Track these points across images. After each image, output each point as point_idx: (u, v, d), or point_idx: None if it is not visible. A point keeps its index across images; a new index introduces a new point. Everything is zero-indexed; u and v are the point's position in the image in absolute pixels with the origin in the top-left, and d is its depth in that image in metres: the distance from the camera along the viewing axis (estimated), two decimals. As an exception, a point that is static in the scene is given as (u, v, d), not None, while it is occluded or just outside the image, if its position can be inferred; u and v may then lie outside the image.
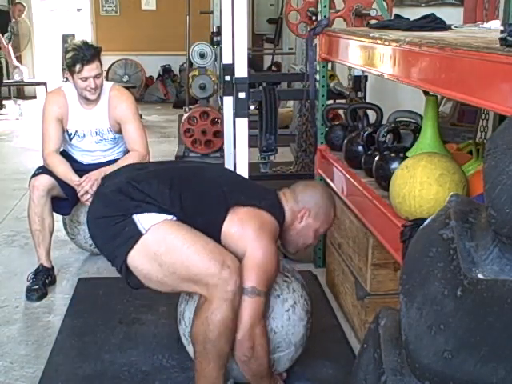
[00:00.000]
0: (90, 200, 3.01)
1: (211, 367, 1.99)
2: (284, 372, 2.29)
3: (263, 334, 2.01)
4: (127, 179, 2.12)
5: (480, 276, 0.99)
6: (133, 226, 1.99)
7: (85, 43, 3.06)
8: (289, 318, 2.17)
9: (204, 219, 2.06)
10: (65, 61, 3.15)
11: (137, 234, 1.98)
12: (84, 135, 3.23)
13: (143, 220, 2.00)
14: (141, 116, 3.87)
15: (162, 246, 1.98)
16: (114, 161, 3.26)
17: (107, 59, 8.69)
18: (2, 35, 8.30)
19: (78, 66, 3.01)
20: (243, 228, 2.03)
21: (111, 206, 2.07)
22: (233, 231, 2.03)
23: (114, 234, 2.03)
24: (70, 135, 3.23)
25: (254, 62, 7.62)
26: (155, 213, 2.01)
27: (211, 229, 2.03)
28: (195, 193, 2.10)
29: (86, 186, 3.01)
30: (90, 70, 3.02)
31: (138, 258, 2.00)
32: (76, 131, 3.22)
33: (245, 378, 2.14)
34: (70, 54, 3.04)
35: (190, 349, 2.22)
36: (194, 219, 2.04)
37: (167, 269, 1.98)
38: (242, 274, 1.97)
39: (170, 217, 2.02)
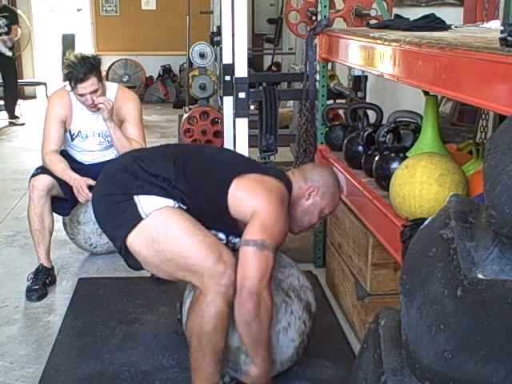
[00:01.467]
0: (83, 199, 3.04)
1: (207, 362, 1.99)
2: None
3: (269, 293, 1.94)
4: (133, 157, 2.16)
5: (480, 276, 0.99)
6: (134, 208, 2.01)
7: (81, 58, 2.99)
8: (277, 340, 2.15)
9: (209, 189, 2.07)
10: (62, 74, 3.14)
11: (137, 218, 2.00)
12: (87, 136, 3.23)
13: (144, 203, 2.02)
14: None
15: (162, 233, 1.98)
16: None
17: (107, 59, 8.69)
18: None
19: (72, 84, 3.02)
20: (250, 191, 2.04)
21: (117, 184, 2.10)
22: (239, 195, 2.02)
23: (115, 215, 2.06)
24: (72, 135, 3.23)
25: (253, 62, 7.62)
26: (157, 196, 2.03)
27: (217, 198, 2.03)
28: (198, 166, 2.13)
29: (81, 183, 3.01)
30: (84, 87, 3.00)
31: (137, 242, 2.02)
32: (79, 132, 3.22)
33: (241, 374, 2.14)
34: (65, 71, 3.03)
35: None
36: (199, 191, 2.05)
37: (164, 256, 1.99)
38: (248, 231, 1.95)
39: (172, 203, 2.03)
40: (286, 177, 2.19)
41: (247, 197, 2.03)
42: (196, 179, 2.07)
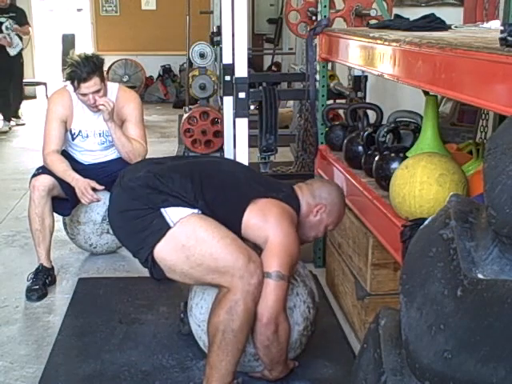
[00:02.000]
0: (88, 201, 3.04)
1: (228, 360, 2.04)
2: (296, 361, 2.34)
3: (286, 318, 2.07)
4: (153, 173, 2.18)
5: (480, 276, 0.99)
6: (161, 218, 2.06)
7: (85, 58, 3.00)
8: None
9: (225, 211, 2.12)
10: (65, 73, 3.14)
11: (165, 227, 2.05)
12: (87, 136, 3.23)
13: (171, 213, 2.07)
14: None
15: (192, 238, 2.04)
16: (115, 160, 3.27)
17: (107, 59, 8.65)
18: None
19: (75, 83, 3.02)
20: (264, 217, 2.10)
21: (139, 200, 2.12)
22: (253, 222, 2.10)
23: (141, 227, 2.09)
24: (73, 135, 3.23)
25: (253, 62, 7.62)
26: (182, 207, 2.08)
27: (232, 220, 2.10)
28: (215, 186, 2.18)
29: (83, 188, 3.01)
30: (87, 87, 3.00)
31: (166, 250, 2.07)
32: (80, 131, 3.22)
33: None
34: (68, 70, 3.03)
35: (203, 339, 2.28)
36: (215, 212, 2.10)
37: (194, 260, 2.04)
38: (265, 260, 2.03)
39: (196, 210, 2.09)
40: (295, 197, 2.25)
41: (260, 224, 2.10)
42: (213, 200, 2.13)
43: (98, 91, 3.03)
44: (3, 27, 7.18)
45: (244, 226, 2.11)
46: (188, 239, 2.04)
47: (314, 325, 2.32)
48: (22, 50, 7.44)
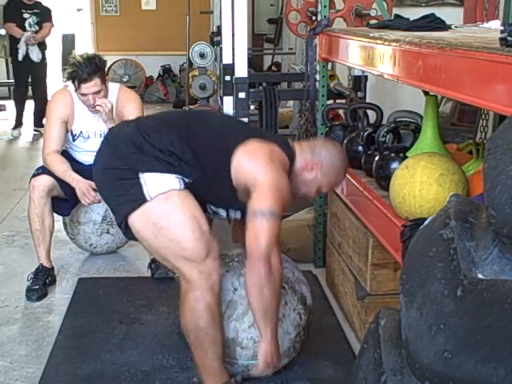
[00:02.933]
0: (89, 202, 3.05)
1: (210, 357, 2.05)
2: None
3: (280, 259, 1.99)
4: (139, 130, 2.14)
5: (480, 276, 0.99)
6: (139, 188, 2.03)
7: (87, 58, 3.00)
8: None
9: (214, 158, 2.08)
10: (66, 73, 3.14)
11: (141, 199, 2.02)
12: (88, 136, 3.23)
13: (150, 184, 2.03)
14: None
15: (164, 220, 2.02)
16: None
17: (107, 59, 8.67)
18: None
19: (75, 83, 3.02)
20: (253, 158, 2.04)
21: (123, 159, 2.10)
22: (243, 164, 2.04)
23: (120, 191, 2.08)
24: (74, 136, 3.23)
25: (253, 62, 7.62)
26: (163, 173, 2.04)
27: (222, 167, 2.05)
28: (204, 136, 2.13)
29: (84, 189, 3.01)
30: (87, 87, 3.00)
31: (138, 222, 2.05)
32: (81, 132, 3.22)
33: (244, 368, 2.16)
34: (69, 70, 3.03)
35: None
36: (205, 162, 2.07)
37: (162, 242, 2.03)
38: (255, 199, 1.97)
39: (178, 181, 2.04)
40: (289, 146, 2.17)
41: (250, 163, 2.03)
42: (202, 151, 2.08)
43: (98, 92, 3.03)
44: (26, 24, 6.78)
45: (234, 171, 2.04)
46: (160, 220, 2.01)
47: (307, 328, 2.30)
48: (44, 56, 6.95)
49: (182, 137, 2.09)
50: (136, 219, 2.04)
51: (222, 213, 2.23)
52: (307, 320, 2.28)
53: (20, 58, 6.73)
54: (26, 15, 6.80)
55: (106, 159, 2.18)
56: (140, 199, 2.02)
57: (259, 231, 1.92)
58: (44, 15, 6.90)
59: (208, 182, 2.09)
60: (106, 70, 3.21)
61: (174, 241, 2.02)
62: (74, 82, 3.03)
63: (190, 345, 2.07)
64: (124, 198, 2.06)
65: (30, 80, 7.06)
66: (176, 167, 2.05)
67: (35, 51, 6.78)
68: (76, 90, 3.06)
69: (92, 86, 3.01)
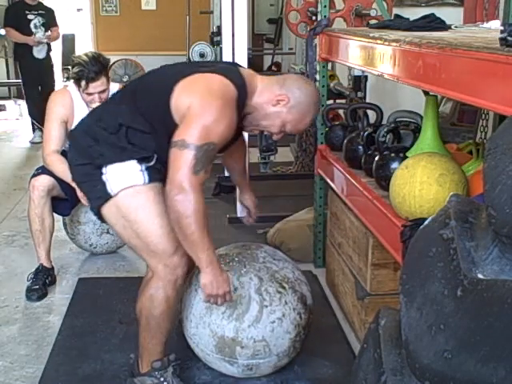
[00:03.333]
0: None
1: (154, 343, 2.13)
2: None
3: (196, 190, 1.87)
4: (93, 119, 2.14)
5: (480, 276, 0.99)
6: (103, 186, 2.04)
7: (93, 57, 3.02)
8: (272, 330, 2.16)
9: (155, 103, 2.00)
10: (71, 72, 3.14)
11: (106, 195, 2.04)
12: None
13: (112, 180, 2.03)
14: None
15: (133, 214, 2.04)
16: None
17: (107, 59, 8.68)
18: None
19: (83, 83, 3.03)
20: (189, 90, 1.95)
21: (82, 153, 2.10)
22: (180, 100, 1.95)
23: (87, 187, 2.13)
24: None
25: (253, 62, 7.62)
26: (123, 162, 2.02)
27: (164, 110, 1.97)
28: (146, 92, 2.07)
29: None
30: (94, 86, 3.02)
31: (108, 214, 2.09)
32: None
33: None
34: (75, 69, 3.03)
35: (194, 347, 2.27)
36: (151, 115, 2.01)
37: (130, 234, 2.07)
38: (180, 129, 1.90)
39: (142, 178, 2.02)
40: (237, 72, 2.04)
41: (185, 97, 1.94)
42: (148, 109, 2.03)
43: (104, 91, 3.05)
44: (32, 25, 6.53)
45: (174, 111, 1.96)
46: (129, 214, 2.04)
47: (308, 328, 2.30)
48: (48, 52, 6.73)
49: (129, 105, 2.05)
50: (106, 212, 2.08)
51: None
52: (307, 319, 2.28)
53: (42, 55, 6.53)
54: (30, 16, 6.61)
55: (71, 156, 2.20)
56: (106, 196, 2.04)
57: (172, 163, 1.88)
58: (49, 17, 6.72)
59: (160, 142, 2.02)
60: (106, 69, 3.21)
61: (142, 235, 2.05)
62: (79, 82, 3.03)
63: (139, 325, 2.14)
64: (92, 195, 2.10)
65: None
66: (133, 151, 2.02)
67: (44, 50, 6.63)
68: (83, 90, 3.06)
69: (99, 85, 3.03)
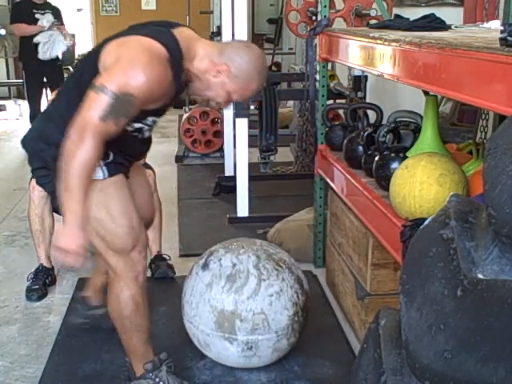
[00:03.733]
0: None
1: (135, 342, 2.15)
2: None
3: (95, 139, 1.79)
4: (43, 119, 2.11)
5: (480, 276, 0.99)
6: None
7: None
8: (270, 303, 2.22)
9: (86, 76, 1.92)
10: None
11: None
12: None
13: None
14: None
15: (93, 211, 1.98)
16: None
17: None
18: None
19: None
20: (114, 51, 1.90)
21: (36, 158, 2.08)
22: (106, 60, 1.89)
23: (50, 188, 2.06)
24: None
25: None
26: None
27: (93, 73, 1.90)
28: (87, 68, 2.00)
29: None
30: None
31: None
32: None
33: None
34: None
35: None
36: (80, 84, 1.92)
37: (91, 230, 2.02)
38: (100, 76, 1.83)
39: (101, 173, 1.99)
40: (171, 38, 1.94)
41: (112, 55, 1.89)
42: (77, 75, 2.02)
43: None
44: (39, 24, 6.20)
45: (101, 70, 1.89)
46: (90, 210, 1.96)
47: (306, 312, 2.33)
48: (58, 57, 6.30)
49: (74, 89, 1.96)
50: None
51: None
52: (305, 302, 2.32)
53: (55, 54, 6.16)
54: (38, 15, 6.32)
55: (30, 161, 2.14)
56: None
57: (89, 104, 1.80)
58: (55, 16, 6.41)
59: None
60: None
61: (101, 233, 2.04)
62: None
63: (116, 328, 2.15)
64: (53, 195, 2.01)
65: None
66: None
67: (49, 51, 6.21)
68: None
69: None
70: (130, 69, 1.82)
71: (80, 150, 1.78)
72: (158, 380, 2.17)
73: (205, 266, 2.32)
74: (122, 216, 2.03)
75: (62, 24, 6.46)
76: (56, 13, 6.46)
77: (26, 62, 6.37)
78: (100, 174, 1.98)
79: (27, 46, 6.24)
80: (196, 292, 2.29)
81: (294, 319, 2.27)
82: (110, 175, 2.01)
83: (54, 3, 6.55)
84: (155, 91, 1.86)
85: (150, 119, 2.04)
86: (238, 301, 2.21)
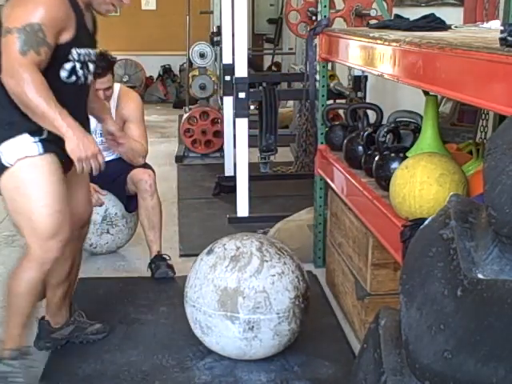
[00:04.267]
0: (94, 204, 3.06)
1: (12, 322, 2.20)
2: None
3: (27, 70, 1.91)
4: None
5: (480, 276, 0.99)
6: None
7: (101, 54, 3.01)
8: (273, 283, 2.28)
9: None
10: None
11: (2, 167, 2.07)
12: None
13: (6, 153, 2.05)
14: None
15: (22, 188, 2.07)
16: (115, 160, 3.27)
17: (107, 59, 8.67)
18: None
19: None
20: (8, 10, 1.99)
21: None
22: (8, 14, 1.99)
23: None
24: None
25: (253, 62, 7.63)
26: (14, 137, 2.04)
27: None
28: None
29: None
30: (101, 82, 3.04)
31: (4, 186, 2.11)
32: None
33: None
34: None
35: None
36: None
37: (17, 207, 2.11)
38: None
39: (36, 148, 2.05)
40: None
41: (8, 11, 1.99)
42: None
43: (108, 88, 3.08)
44: None
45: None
46: (20, 186, 2.08)
47: (306, 300, 2.37)
48: None
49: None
50: (3, 183, 2.10)
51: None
52: (305, 289, 2.37)
53: None
54: None
55: None
56: (2, 168, 2.06)
57: (4, 49, 1.93)
58: None
59: None
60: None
61: (27, 210, 2.08)
62: None
63: (5, 300, 2.22)
64: None
65: None
66: (21, 124, 2.04)
67: None
68: None
69: (105, 81, 3.06)
70: (25, 4, 1.96)
71: (24, 82, 1.90)
72: (10, 369, 2.18)
73: (210, 252, 2.40)
74: (50, 197, 2.07)
75: None
76: None
77: None
78: (35, 149, 2.06)
79: None
80: (200, 274, 2.36)
81: (295, 303, 2.31)
82: (46, 151, 2.07)
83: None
84: (56, 14, 1.98)
85: (74, 52, 2.10)
86: (241, 279, 2.27)
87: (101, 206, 3.22)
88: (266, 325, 2.27)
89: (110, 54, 3.12)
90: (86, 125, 2.19)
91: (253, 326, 2.26)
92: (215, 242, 2.45)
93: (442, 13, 2.56)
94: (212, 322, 2.30)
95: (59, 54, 2.02)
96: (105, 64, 3.01)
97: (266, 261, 2.31)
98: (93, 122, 3.18)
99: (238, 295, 2.26)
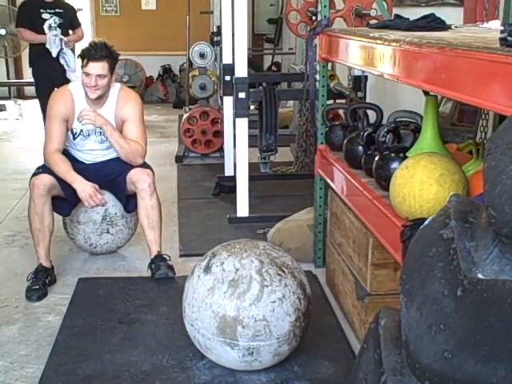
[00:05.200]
0: (94, 205, 3.08)
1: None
2: None
3: None
4: None
5: (480, 276, 0.99)
6: None
7: (104, 44, 3.10)
8: (273, 310, 2.20)
9: None
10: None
11: None
12: (89, 135, 3.24)
13: None
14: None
15: None
16: (114, 159, 3.27)
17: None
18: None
19: (84, 60, 3.08)
20: None
21: None
22: None
23: None
24: (74, 134, 3.24)
25: (253, 62, 7.63)
26: None
27: None
28: None
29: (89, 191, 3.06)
30: (94, 67, 3.05)
31: None
32: (81, 130, 3.22)
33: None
34: (84, 48, 3.12)
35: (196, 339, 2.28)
36: None
37: None
38: None
39: None
40: None
41: None
42: None
43: (102, 76, 3.08)
44: (45, 26, 5.46)
45: None
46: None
47: (308, 317, 2.32)
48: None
49: None
50: None
51: None
52: (307, 307, 2.31)
53: (54, 54, 5.40)
54: (45, 15, 5.51)
55: None
56: None
57: None
58: (68, 16, 5.61)
59: None
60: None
61: None
62: (83, 60, 3.09)
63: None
64: None
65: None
66: None
67: (71, 57, 5.48)
68: (83, 68, 3.10)
69: (99, 67, 3.06)
70: None
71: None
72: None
73: (207, 269, 2.30)
74: None
75: (78, 25, 5.77)
76: (69, 12, 5.69)
77: (36, 67, 5.73)
78: None
79: (37, 50, 5.56)
80: (198, 295, 2.28)
81: (296, 325, 2.26)
82: None
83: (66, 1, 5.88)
84: None
85: None
86: (241, 307, 2.19)
87: (103, 205, 3.22)
88: (266, 349, 2.24)
89: (113, 48, 3.16)
90: None
91: (252, 352, 2.22)
92: (212, 257, 2.34)
93: (442, 13, 2.56)
94: (211, 345, 2.27)
95: None
96: (103, 52, 3.05)
97: (266, 285, 2.21)
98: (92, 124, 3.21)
99: (237, 324, 2.19)
